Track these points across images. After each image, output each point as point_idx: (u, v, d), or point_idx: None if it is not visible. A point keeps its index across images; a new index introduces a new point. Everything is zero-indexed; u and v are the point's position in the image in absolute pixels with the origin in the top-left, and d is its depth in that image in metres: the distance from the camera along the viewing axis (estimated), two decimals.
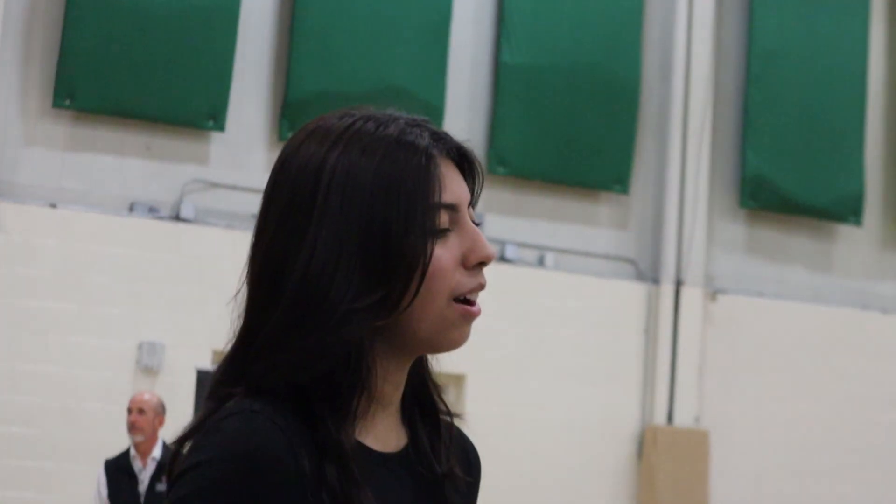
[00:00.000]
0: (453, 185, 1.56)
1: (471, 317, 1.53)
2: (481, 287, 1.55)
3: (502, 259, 12.90)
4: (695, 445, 13.49)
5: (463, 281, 1.52)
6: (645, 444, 13.37)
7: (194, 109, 12.25)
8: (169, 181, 12.02)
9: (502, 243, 13.00)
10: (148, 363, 11.48)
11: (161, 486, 8.71)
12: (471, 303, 1.53)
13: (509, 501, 12.20)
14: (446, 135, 1.60)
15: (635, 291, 13.63)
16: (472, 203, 1.63)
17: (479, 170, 1.64)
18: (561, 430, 13.08)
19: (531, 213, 13.39)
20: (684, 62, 13.93)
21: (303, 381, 1.49)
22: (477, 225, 1.59)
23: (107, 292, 11.77)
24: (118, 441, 9.17)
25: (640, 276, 13.72)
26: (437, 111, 12.40)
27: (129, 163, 12.10)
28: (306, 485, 1.46)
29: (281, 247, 1.50)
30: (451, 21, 12.95)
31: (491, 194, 12.92)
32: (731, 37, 14.45)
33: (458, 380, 12.53)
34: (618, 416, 13.54)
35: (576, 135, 13.48)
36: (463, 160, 1.59)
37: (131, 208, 11.95)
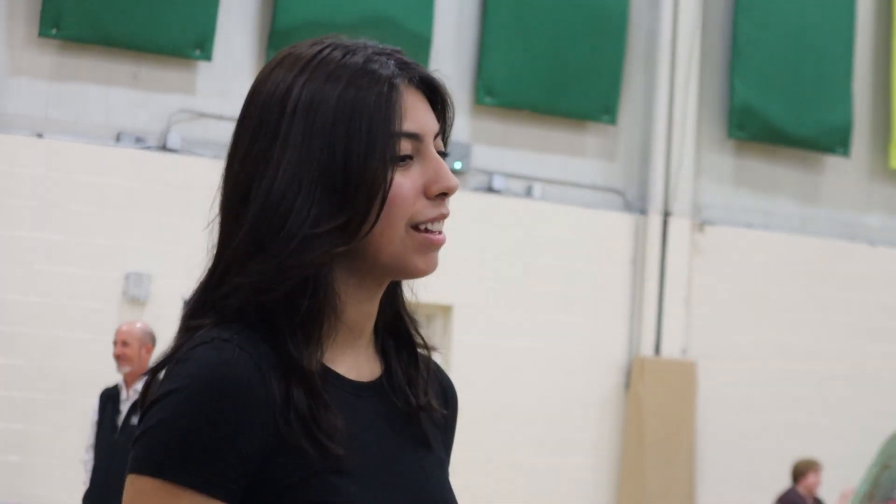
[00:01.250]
0: (417, 115, 1.69)
1: (432, 245, 1.67)
2: (443, 217, 1.68)
3: (490, 190, 13.70)
4: (682, 376, 14.27)
5: (423, 210, 1.66)
6: (632, 375, 14.14)
7: (181, 39, 12.81)
8: (155, 111, 12.60)
9: (490, 174, 13.75)
10: (135, 294, 12.12)
11: (135, 419, 9.48)
12: (432, 231, 1.68)
13: (496, 431, 13.41)
14: (415, 65, 1.72)
15: (623, 222, 14.28)
16: (445, 135, 1.77)
17: (449, 101, 1.77)
18: (548, 360, 13.80)
19: (519, 143, 14.02)
20: None
21: (263, 304, 1.64)
22: (444, 156, 1.73)
23: (93, 222, 12.36)
24: (105, 372, 9.75)
25: (627, 207, 14.36)
26: (424, 42, 13.04)
27: (115, 92, 12.64)
28: (276, 409, 1.61)
29: (247, 173, 1.65)
30: None
31: (478, 125, 13.87)
32: None
33: (446, 310, 13.34)
34: (605, 346, 14.24)
35: (563, 65, 14.14)
36: (432, 91, 1.73)
37: (118, 138, 12.50)
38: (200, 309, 1.66)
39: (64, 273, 12.11)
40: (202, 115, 12.62)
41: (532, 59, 14.09)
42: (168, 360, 1.61)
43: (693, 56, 14.62)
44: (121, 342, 9.01)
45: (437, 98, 1.73)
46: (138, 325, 9.44)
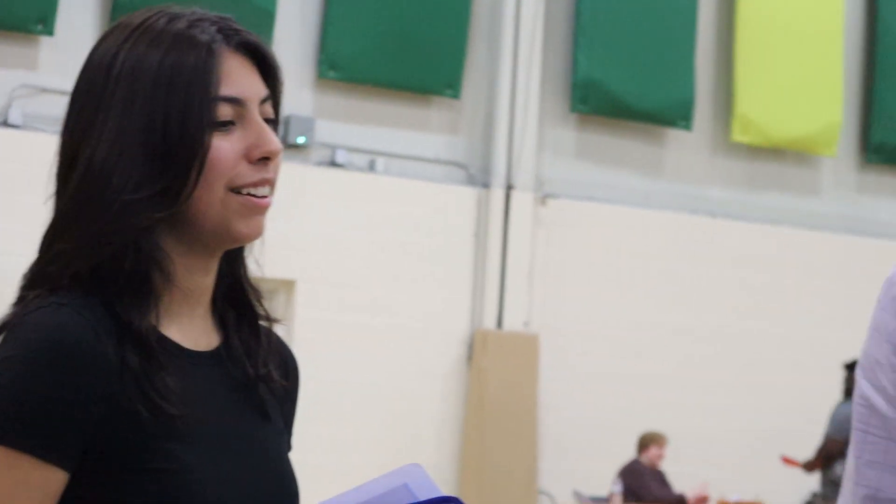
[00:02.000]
0: (239, 79, 1.74)
1: (255, 208, 1.74)
2: (265, 181, 1.74)
3: (333, 164, 14.32)
4: (524, 349, 14.84)
5: (244, 173, 1.72)
6: (475, 348, 14.73)
7: (22, 13, 13.11)
8: None
9: (333, 148, 14.33)
10: None
11: None
12: (254, 196, 1.73)
13: (340, 404, 14.01)
14: (241, 30, 1.77)
15: (466, 196, 14.93)
16: (276, 101, 1.81)
17: (276, 66, 1.82)
18: (392, 333, 14.40)
19: (362, 117, 14.59)
20: None
21: (96, 270, 1.70)
22: (274, 122, 1.79)
23: None
24: None
25: (470, 181, 14.99)
26: (267, 15, 13.59)
27: None
28: (112, 372, 1.65)
29: (74, 141, 1.70)
30: None
31: (322, 99, 14.48)
32: None
33: (289, 285, 13.88)
34: (448, 319, 14.85)
35: (407, 39, 14.66)
36: (258, 58, 1.78)
37: None
38: (36, 279, 1.71)
39: None
40: (44, 90, 12.96)
41: (375, 33, 14.57)
42: (3, 328, 1.67)
43: (536, 30, 15.07)
44: None
45: (265, 65, 1.80)
46: None
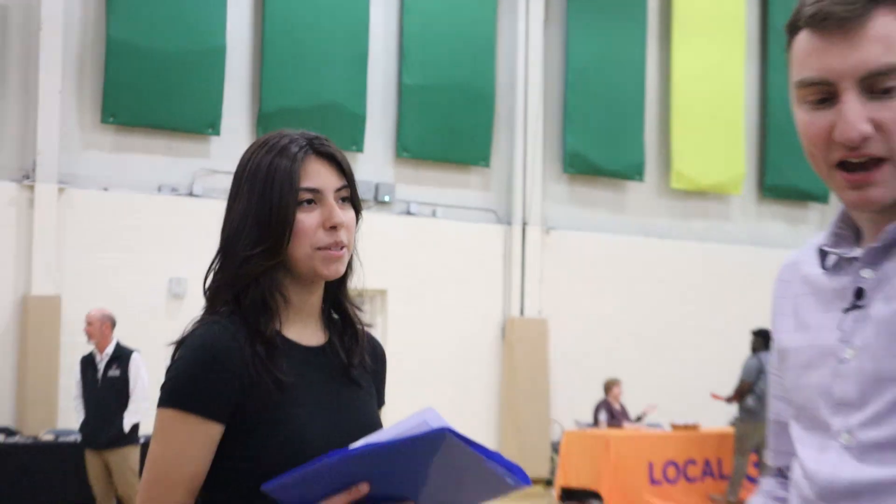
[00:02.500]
0: (318, 176, 1.99)
1: (330, 258, 1.98)
2: (336, 243, 1.97)
3: (408, 213, 14.84)
4: (538, 329, 15.51)
5: (322, 237, 1.96)
6: (506, 329, 15.44)
7: (199, 120, 13.53)
8: (185, 170, 13.48)
9: (407, 202, 14.87)
10: (176, 291, 13.08)
11: (112, 372, 9.21)
12: (331, 249, 1.97)
13: (422, 371, 14.05)
14: (324, 144, 2.03)
15: (495, 231, 15.55)
16: (351, 185, 2.04)
17: (345, 164, 2.05)
18: (453, 323, 14.85)
19: (426, 182, 15.13)
20: (524, 76, 15.76)
21: (228, 297, 1.98)
22: (353, 201, 2.04)
23: (147, 246, 13.08)
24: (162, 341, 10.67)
25: (498, 221, 15.58)
26: (361, 118, 14.31)
27: (155, 159, 13.39)
28: (247, 362, 1.92)
29: (225, 217, 2.00)
30: (368, 54, 14.50)
31: (399, 171, 14.93)
32: (555, 57, 16.15)
33: (383, 293, 14.32)
34: (488, 311, 15.36)
35: (453, 128, 15.03)
36: (328, 155, 2.02)
37: (159, 189, 13.29)
38: (208, 303, 2.01)
39: (132, 280, 12.74)
40: (214, 171, 13.36)
41: (430, 125, 14.97)
42: (183, 339, 1.94)
43: (538, 119, 15.69)
44: (87, 323, 9.25)
45: (340, 165, 2.00)
46: (98, 311, 9.47)
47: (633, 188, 16.65)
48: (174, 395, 1.91)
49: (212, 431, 1.91)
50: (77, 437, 10.37)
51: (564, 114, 16.05)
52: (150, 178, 13.33)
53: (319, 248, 1.94)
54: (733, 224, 17.54)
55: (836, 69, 1.43)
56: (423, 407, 1.84)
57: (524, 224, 15.55)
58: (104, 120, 12.94)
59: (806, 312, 1.65)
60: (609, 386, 13.97)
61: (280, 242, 1.93)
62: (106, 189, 12.94)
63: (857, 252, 1.56)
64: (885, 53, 1.41)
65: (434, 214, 15.11)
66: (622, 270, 16.21)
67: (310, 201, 1.94)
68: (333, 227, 1.94)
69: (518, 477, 1.91)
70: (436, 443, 1.80)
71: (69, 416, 11.92)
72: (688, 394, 15.50)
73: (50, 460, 10.59)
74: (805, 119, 1.49)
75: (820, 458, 1.57)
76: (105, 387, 8.99)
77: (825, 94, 1.46)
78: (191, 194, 13.39)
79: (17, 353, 12.44)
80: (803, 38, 1.47)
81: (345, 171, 2.00)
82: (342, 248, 1.96)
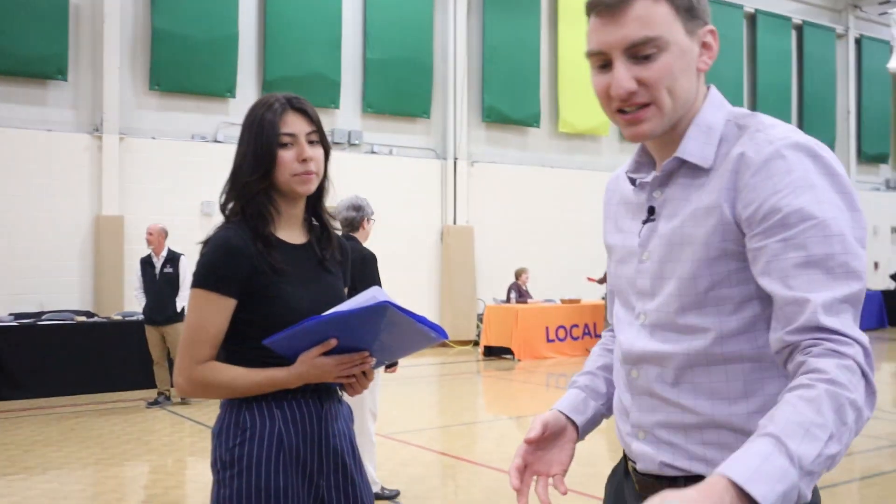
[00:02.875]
0: (293, 124, 2.06)
1: (303, 181, 2.07)
2: (307, 171, 2.05)
3: (372, 152, 15.09)
4: (467, 233, 15.83)
5: (296, 167, 2.04)
6: (444, 234, 15.74)
7: (220, 86, 13.58)
8: (211, 123, 13.53)
9: (372, 144, 15.16)
10: (206, 210, 13.19)
11: (167, 270, 9.35)
12: (302, 175, 2.05)
13: (382, 265, 12.58)
14: (298, 100, 2.10)
15: (435, 165, 15.90)
16: (318, 130, 2.11)
17: (310, 111, 2.10)
18: (405, 230, 14.95)
19: (385, 129, 15.38)
20: (453, 51, 15.87)
21: (237, 210, 2.09)
22: (323, 143, 2.12)
23: (188, 179, 13.19)
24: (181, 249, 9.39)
25: (437, 157, 15.97)
26: (336, 84, 14.61)
27: (190, 116, 13.34)
28: (253, 255, 2.04)
29: (237, 153, 2.13)
30: (341, 37, 14.69)
31: (365, 121, 15.17)
32: (475, 38, 16.26)
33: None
34: (430, 221, 15.68)
35: (402, 91, 15.18)
36: (301, 110, 2.07)
37: (192, 137, 13.32)
38: (224, 215, 2.17)
39: (175, 203, 13.03)
40: (232, 124, 13.56)
41: (386, 88, 15.14)
42: (207, 239, 2.10)
43: (464, 82, 15.97)
44: (148, 234, 9.40)
45: (310, 116, 2.10)
46: (156, 225, 9.52)
47: (532, 132, 17.04)
48: (201, 279, 2.06)
49: (228, 304, 2.05)
50: (139, 317, 10.49)
51: (483, 79, 16.40)
52: (185, 129, 13.51)
53: (295, 175, 2.07)
54: (602, 157, 17.77)
55: (608, 42, 1.42)
56: (374, 287, 1.97)
57: (455, 159, 15.94)
58: (151, 87, 13.15)
59: (621, 219, 1.65)
60: (518, 273, 14.42)
61: (268, 171, 2.06)
62: (154, 138, 13.15)
63: (649, 178, 1.55)
64: (642, 29, 1.40)
65: (391, 153, 15.43)
66: (526, 191, 16.64)
67: (287, 143, 2.07)
68: (304, 160, 2.07)
69: (439, 333, 2.07)
70: (382, 311, 1.92)
71: (132, 302, 12.30)
72: (573, 278, 16.05)
73: (119, 334, 10.66)
74: (594, 79, 1.46)
75: (626, 331, 1.58)
76: (162, 281, 9.27)
77: (604, 61, 1.44)
78: (215, 141, 13.56)
79: (93, 256, 12.64)
80: (591, 20, 1.45)
81: (314, 121, 2.12)
82: (311, 174, 2.09)
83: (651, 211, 1.55)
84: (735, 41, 19.67)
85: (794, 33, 21.01)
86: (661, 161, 1.55)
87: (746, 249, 1.40)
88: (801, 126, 20.66)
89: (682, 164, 1.50)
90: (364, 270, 5.45)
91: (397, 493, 5.92)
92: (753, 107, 20.07)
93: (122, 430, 8.42)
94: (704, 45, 1.49)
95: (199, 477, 6.58)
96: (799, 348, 1.30)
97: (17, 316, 10.93)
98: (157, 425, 8.67)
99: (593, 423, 1.71)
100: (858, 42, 22.33)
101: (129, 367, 10.60)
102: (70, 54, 12.71)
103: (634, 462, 1.58)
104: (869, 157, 22.55)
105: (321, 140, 2.14)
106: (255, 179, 2.07)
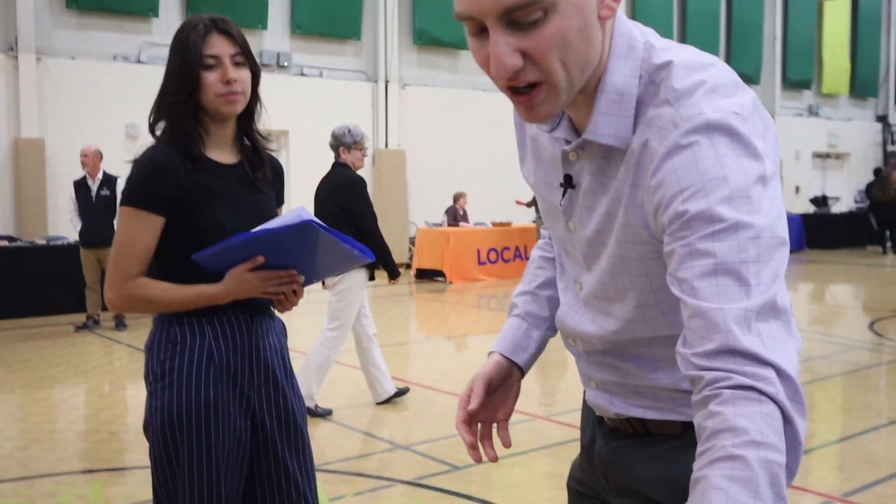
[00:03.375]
0: (217, 46, 2.09)
1: (227, 102, 2.10)
2: (231, 91, 2.07)
3: (302, 74, 15.05)
4: (398, 157, 16.03)
5: (220, 88, 2.07)
6: (376, 158, 15.77)
7: (141, 6, 13.40)
8: (134, 43, 13.47)
9: (302, 66, 15.07)
10: (131, 132, 13.17)
11: (103, 192, 9.29)
12: (226, 96, 2.08)
13: (313, 186, 14.86)
14: (223, 21, 2.11)
15: (366, 88, 15.92)
16: (243, 52, 2.13)
17: (235, 33, 2.13)
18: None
19: (314, 51, 15.28)
20: None
21: (165, 131, 2.12)
22: (249, 64, 2.13)
23: (111, 99, 13.09)
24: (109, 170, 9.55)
25: (368, 79, 15.97)
26: (264, 3, 14.34)
27: (118, 37, 13.14)
28: (181, 174, 2.07)
29: (165, 75, 2.13)
30: None
31: (294, 42, 15.06)
32: None
33: (286, 133, 14.68)
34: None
35: (333, 11, 15.02)
36: (225, 32, 2.09)
37: (114, 58, 13.10)
38: (154, 136, 2.17)
39: (98, 126, 12.71)
40: (156, 44, 13.51)
41: (318, 7, 14.80)
42: (136, 159, 2.12)
43: (395, 3, 15.91)
44: (83, 156, 9.30)
45: (235, 38, 2.12)
46: (91, 147, 9.40)
47: (464, 55, 16.88)
48: (129, 197, 2.09)
49: (156, 222, 2.09)
50: (65, 241, 10.84)
51: (413, 0, 16.35)
52: (107, 49, 13.39)
53: (219, 95, 2.10)
54: (460, 75, 17.17)
55: (479, 7, 1.10)
56: (300, 206, 2.00)
57: (386, 82, 15.95)
58: (68, 6, 12.89)
59: (538, 161, 1.43)
60: (457, 197, 14.66)
61: (193, 92, 2.10)
62: (73, 58, 12.97)
63: (563, 134, 1.32)
64: None
65: (321, 75, 15.41)
66: (458, 115, 16.74)
67: (211, 65, 2.10)
68: (228, 81, 2.10)
69: (364, 254, 2.12)
70: (305, 229, 1.98)
71: (56, 226, 12.50)
72: (503, 201, 16.06)
73: (44, 258, 10.62)
74: (472, 46, 1.16)
75: (565, 294, 1.50)
76: (98, 203, 9.25)
77: (479, 27, 1.13)
78: (139, 62, 13.57)
79: (13, 180, 12.51)
80: None
81: (239, 42, 2.14)
82: (236, 94, 2.11)
83: (568, 179, 1.34)
84: None
85: None
86: (576, 119, 1.31)
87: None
88: (728, 53, 21.12)
89: (597, 145, 1.27)
90: (349, 194, 5.69)
91: (330, 412, 6.06)
92: (683, 35, 20.24)
93: (51, 354, 8.41)
94: None
95: (132, 399, 6.64)
96: (707, 382, 1.05)
97: None
98: (88, 349, 8.67)
99: (538, 352, 1.61)
100: None
101: (55, 291, 10.61)
102: None
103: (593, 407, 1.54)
104: (793, 83, 22.99)
105: (248, 61, 2.15)
106: (180, 100, 2.09)
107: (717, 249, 1.08)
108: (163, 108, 2.13)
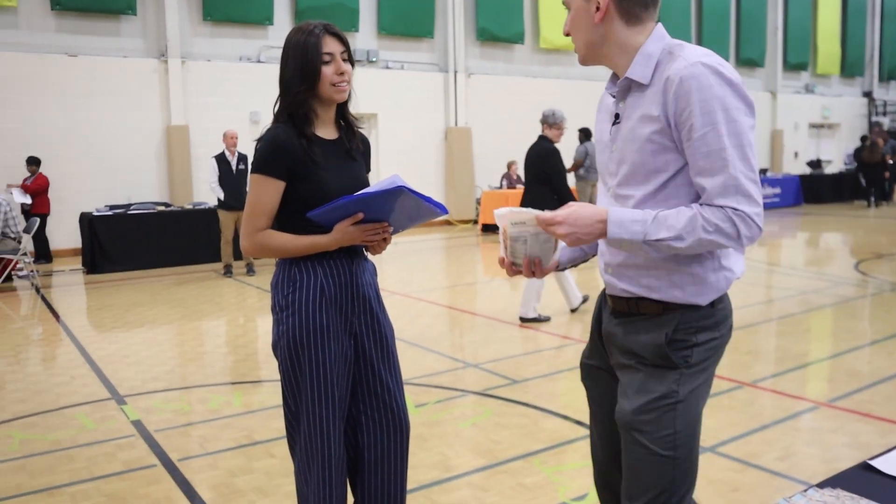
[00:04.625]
0: (330, 45, 2.05)
1: (338, 90, 2.06)
2: (343, 80, 2.05)
3: (387, 68, 14.76)
4: (465, 134, 15.60)
5: (335, 79, 2.03)
6: (447, 134, 15.56)
7: (259, 15, 13.12)
8: (254, 46, 13.11)
9: (387, 61, 14.83)
10: (255, 119, 13.09)
11: (240, 166, 9.23)
12: (338, 86, 2.04)
13: (399, 157, 14.47)
14: (332, 26, 2.07)
15: (439, 77, 15.47)
16: (347, 50, 2.09)
17: (342, 36, 2.08)
18: (416, 131, 15.06)
19: (397, 48, 14.94)
20: None
21: (286, 114, 2.07)
22: (350, 61, 2.09)
23: (238, 93, 13.02)
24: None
25: (440, 70, 15.54)
26: (355, 11, 14.24)
27: (246, 42, 12.93)
28: (297, 148, 2.04)
29: (282, 71, 2.09)
30: None
31: (381, 41, 14.78)
32: None
33: (375, 115, 14.51)
34: (436, 124, 15.31)
35: (409, 13, 14.60)
36: (336, 34, 2.05)
37: (240, 59, 12.90)
38: (274, 117, 2.12)
39: (228, 113, 12.71)
40: (271, 47, 13.40)
41: (398, 11, 14.52)
42: (261, 136, 2.07)
43: (461, 6, 15.31)
44: (228, 137, 9.25)
45: (342, 39, 2.09)
46: (231, 130, 9.39)
47: (518, 48, 16.61)
48: (258, 165, 2.08)
49: (278, 185, 2.08)
50: (206, 205, 10.91)
51: (476, 3, 15.90)
52: (234, 52, 13.30)
53: (333, 84, 2.08)
54: (575, 69, 16.88)
55: None
56: (393, 174, 2.00)
57: (455, 72, 15.64)
58: (205, 18, 12.89)
59: (602, 122, 1.80)
60: (509, 165, 14.42)
61: (313, 83, 2.07)
62: (209, 60, 12.96)
63: (614, 91, 1.71)
64: None
65: (402, 68, 15.14)
66: (513, 98, 16.29)
67: (328, 61, 2.07)
68: (341, 73, 2.08)
69: (441, 209, 2.08)
70: (398, 193, 1.96)
71: (199, 194, 12.62)
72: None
73: (190, 219, 10.70)
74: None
75: (602, 200, 1.77)
76: (237, 175, 9.22)
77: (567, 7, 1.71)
78: (258, 61, 13.42)
79: (166, 158, 12.47)
80: None
81: (345, 42, 2.12)
82: (346, 84, 2.10)
83: (616, 117, 1.71)
84: None
85: None
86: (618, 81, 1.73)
87: (681, 145, 1.61)
88: (737, 40, 20.58)
89: (631, 82, 1.66)
90: (547, 161, 6.06)
91: (549, 319, 6.56)
92: (699, 26, 19.66)
93: (199, 294, 8.52)
94: (598, 7, 1.65)
95: (260, 328, 6.68)
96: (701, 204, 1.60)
97: (111, 207, 11.02)
98: (225, 290, 8.74)
99: (572, 259, 1.92)
100: None
101: (199, 245, 10.72)
102: None
103: (606, 288, 1.82)
104: (792, 65, 22.34)
105: (350, 59, 2.13)
106: (302, 90, 2.06)
107: (708, 142, 1.55)
108: (287, 97, 2.09)
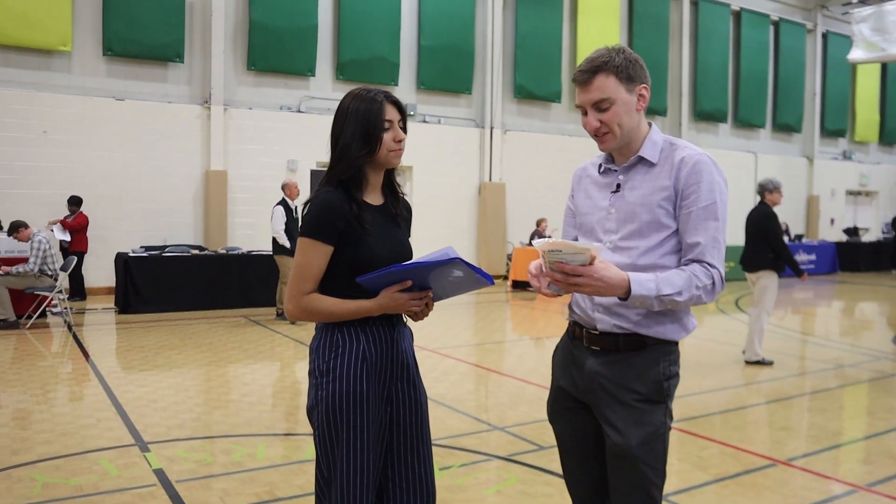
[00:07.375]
0: (390, 113, 2.09)
1: (395, 156, 2.10)
2: (399, 147, 2.08)
3: (424, 122, 14.99)
4: (499, 189, 15.71)
5: (393, 145, 2.06)
6: (481, 189, 15.63)
7: (302, 65, 13.36)
8: (296, 97, 13.41)
9: (424, 115, 15.08)
10: (292, 167, 13.35)
11: (297, 214, 9.21)
12: (396, 152, 2.09)
13: (433, 217, 14.60)
14: (392, 95, 2.12)
15: (475, 132, 15.69)
16: (403, 118, 2.12)
17: (401, 106, 2.12)
18: (451, 186, 15.31)
19: (434, 103, 15.25)
20: (491, 38, 15.29)
21: (343, 179, 2.07)
22: (405, 128, 2.11)
23: (278, 142, 13.17)
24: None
25: (476, 126, 15.74)
26: (396, 65, 14.47)
27: (286, 92, 13.20)
28: (347, 214, 2.03)
29: (337, 133, 2.08)
30: (400, 27, 14.48)
31: (419, 96, 15.08)
32: (509, 27, 15.63)
33: (410, 168, 14.72)
34: (471, 179, 15.63)
35: (449, 71, 14.89)
36: (395, 103, 2.11)
37: (280, 108, 13.09)
38: (325, 180, 2.10)
39: (267, 160, 13.12)
40: (312, 97, 13.67)
41: (439, 70, 14.86)
42: (312, 197, 2.09)
43: (499, 64, 15.73)
44: (288, 187, 9.53)
45: (399, 107, 2.14)
46: (291, 179, 9.62)
47: (554, 106, 16.85)
48: (307, 229, 2.07)
49: (327, 250, 2.08)
50: (240, 251, 11.00)
51: (515, 62, 16.19)
52: (275, 101, 13.53)
53: (391, 151, 2.12)
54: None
55: (583, 101, 2.01)
56: (447, 246, 2.00)
57: (491, 128, 15.79)
58: (248, 68, 13.16)
59: (590, 191, 2.13)
60: (539, 222, 14.59)
61: (375, 148, 2.10)
62: (250, 108, 13.21)
63: (615, 167, 2.08)
64: (600, 93, 1.97)
65: (440, 122, 15.38)
66: (548, 155, 16.55)
67: (387, 128, 2.11)
68: (399, 140, 2.13)
69: (488, 280, 2.10)
70: (453, 264, 1.98)
71: (233, 238, 12.78)
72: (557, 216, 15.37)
73: (223, 263, 10.75)
74: (582, 121, 2.05)
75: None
76: (297, 222, 8.94)
77: (584, 111, 2.02)
78: (299, 111, 13.66)
79: (204, 203, 12.60)
80: (576, 87, 2.04)
81: (402, 111, 2.17)
82: (402, 150, 2.16)
83: (618, 186, 2.05)
84: (722, 34, 19.32)
85: (771, 28, 20.59)
86: (620, 160, 2.09)
87: (678, 211, 1.98)
88: (774, 106, 20.65)
89: (640, 159, 2.03)
90: (766, 224, 6.76)
91: (772, 363, 7.24)
92: (736, 90, 19.75)
93: (228, 339, 8.54)
94: (640, 97, 2.02)
95: (288, 378, 6.65)
96: (688, 262, 1.96)
97: (147, 248, 11.15)
98: (254, 337, 8.71)
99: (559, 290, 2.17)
100: (825, 36, 21.89)
101: (231, 290, 10.76)
102: (185, 42, 12.80)
103: (592, 326, 2.07)
104: (830, 132, 22.30)
105: (405, 126, 2.19)
106: (362, 154, 2.08)
107: (705, 212, 1.96)
108: (344, 161, 2.10)
